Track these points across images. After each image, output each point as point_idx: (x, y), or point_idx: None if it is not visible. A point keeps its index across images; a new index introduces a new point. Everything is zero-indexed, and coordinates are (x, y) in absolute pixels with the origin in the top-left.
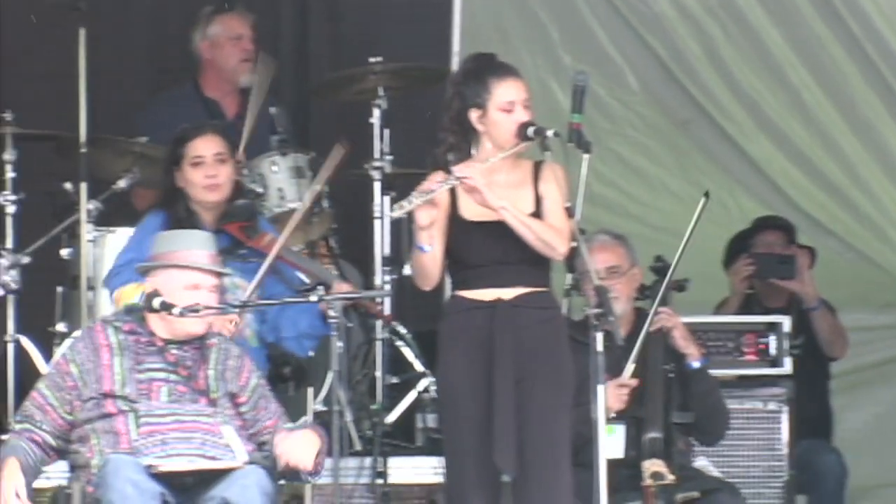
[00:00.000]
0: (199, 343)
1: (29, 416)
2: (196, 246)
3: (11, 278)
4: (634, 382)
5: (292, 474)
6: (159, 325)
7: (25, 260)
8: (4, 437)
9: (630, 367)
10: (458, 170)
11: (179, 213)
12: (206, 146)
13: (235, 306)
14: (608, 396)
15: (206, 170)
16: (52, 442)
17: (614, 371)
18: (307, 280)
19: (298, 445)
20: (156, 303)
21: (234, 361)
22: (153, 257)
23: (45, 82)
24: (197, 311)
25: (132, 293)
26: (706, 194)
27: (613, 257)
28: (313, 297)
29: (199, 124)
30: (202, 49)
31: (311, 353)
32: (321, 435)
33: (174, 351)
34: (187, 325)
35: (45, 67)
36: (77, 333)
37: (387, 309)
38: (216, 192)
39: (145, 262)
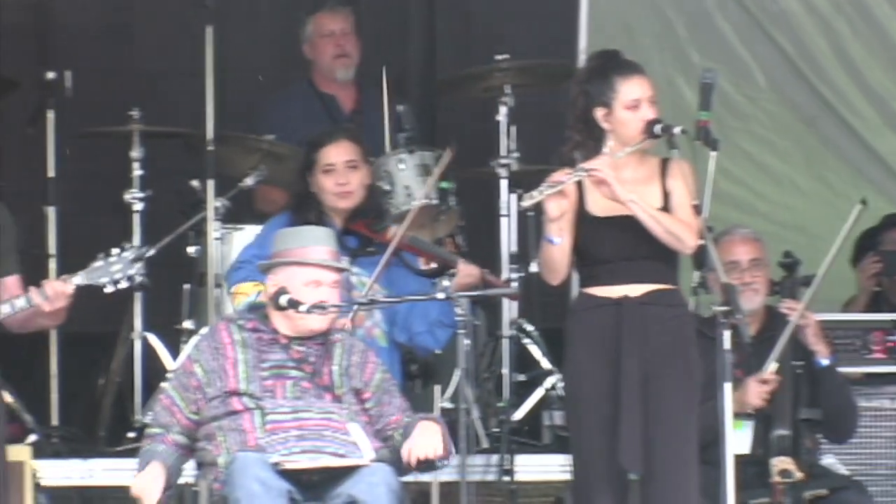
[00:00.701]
0: (322, 339)
1: (157, 420)
2: (316, 242)
3: (136, 271)
4: (776, 379)
5: (426, 465)
6: (282, 322)
7: (150, 252)
8: (131, 434)
9: (773, 364)
10: (586, 164)
11: (309, 217)
12: (337, 154)
13: (363, 304)
14: (749, 393)
15: (338, 177)
16: (183, 441)
17: (743, 368)
18: (433, 264)
19: (422, 436)
20: (283, 300)
21: (357, 357)
22: (273, 255)
23: (173, 80)
24: (325, 308)
25: (249, 290)
26: (863, 201)
27: (756, 250)
28: (440, 294)
29: (332, 130)
30: (305, 50)
31: (444, 346)
32: (437, 420)
33: (298, 347)
34: (310, 321)
35: (173, 65)
36: (204, 330)
37: (514, 307)
38: (347, 199)
39: (266, 259)
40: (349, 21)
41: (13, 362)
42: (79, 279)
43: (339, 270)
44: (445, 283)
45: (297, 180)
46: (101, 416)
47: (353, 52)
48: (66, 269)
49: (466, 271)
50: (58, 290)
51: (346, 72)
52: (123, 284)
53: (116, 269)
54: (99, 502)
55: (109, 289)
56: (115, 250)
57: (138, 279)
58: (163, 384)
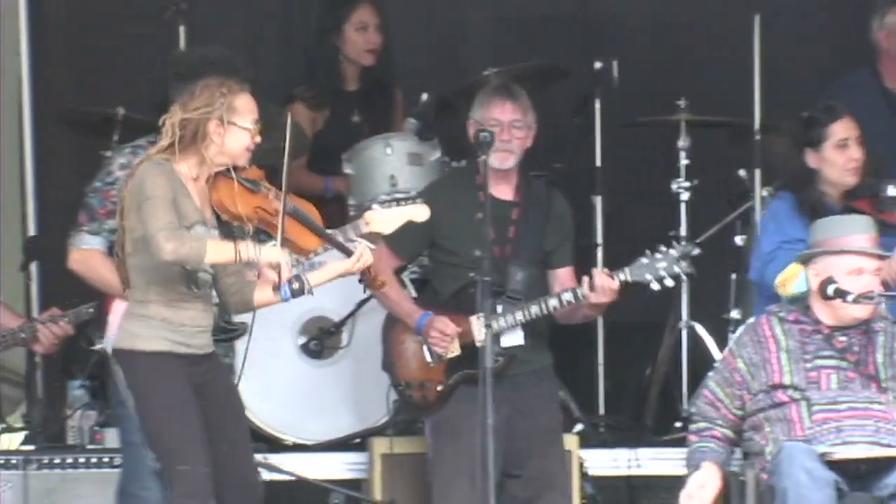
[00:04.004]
0: (864, 327)
1: (703, 414)
2: (856, 231)
3: (683, 269)
4: None
5: None
6: (824, 311)
7: (696, 252)
8: (678, 423)
9: None
10: None
11: (809, 193)
12: (846, 129)
13: None
14: None
15: (852, 152)
16: (730, 435)
17: None
18: None
19: None
20: (830, 290)
21: None
22: (814, 244)
23: (720, 69)
24: (871, 297)
25: (796, 272)
26: None
27: None
28: None
29: (838, 105)
30: (879, 38)
31: None
32: None
33: (841, 338)
34: (854, 310)
35: (719, 55)
36: (750, 320)
37: None
38: (857, 174)
39: (807, 249)
40: None
41: (562, 353)
42: (624, 275)
43: (880, 258)
44: None
45: (792, 156)
46: (647, 406)
47: None
48: (611, 258)
49: None
50: (605, 285)
51: None
52: (669, 283)
53: (662, 267)
54: (645, 492)
55: (655, 286)
56: (661, 247)
57: (684, 278)
58: (708, 375)
